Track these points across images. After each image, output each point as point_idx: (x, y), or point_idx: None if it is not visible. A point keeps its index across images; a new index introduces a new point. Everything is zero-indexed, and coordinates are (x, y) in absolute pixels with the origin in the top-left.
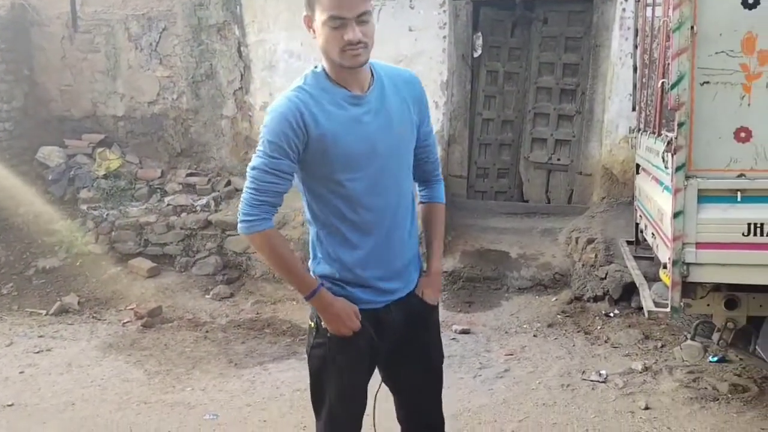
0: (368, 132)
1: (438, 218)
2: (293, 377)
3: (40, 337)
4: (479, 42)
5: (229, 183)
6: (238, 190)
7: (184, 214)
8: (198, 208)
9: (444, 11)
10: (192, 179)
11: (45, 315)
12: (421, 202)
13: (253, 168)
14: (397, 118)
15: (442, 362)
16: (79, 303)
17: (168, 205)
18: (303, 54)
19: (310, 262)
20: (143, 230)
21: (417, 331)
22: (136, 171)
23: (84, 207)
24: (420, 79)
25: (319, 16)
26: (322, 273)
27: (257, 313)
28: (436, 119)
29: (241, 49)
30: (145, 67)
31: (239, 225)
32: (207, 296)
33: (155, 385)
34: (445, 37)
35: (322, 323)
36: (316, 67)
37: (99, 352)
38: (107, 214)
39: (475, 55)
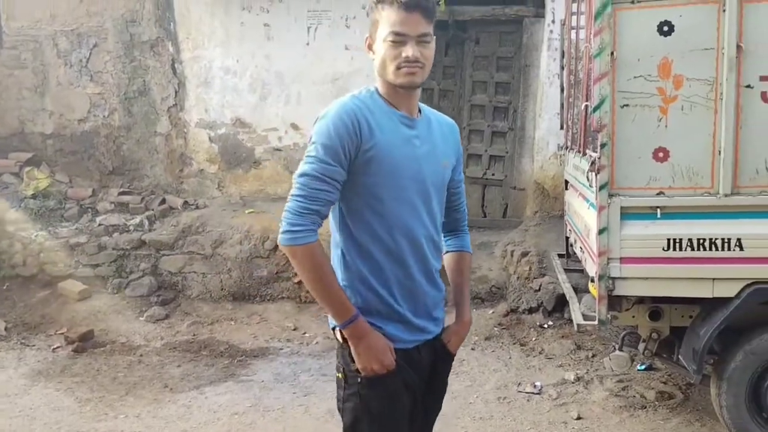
0: (416, 155)
1: (467, 267)
2: (230, 400)
3: None
4: None
5: (163, 201)
6: (173, 209)
7: (116, 234)
8: (131, 227)
9: None
10: (125, 198)
11: None
12: (450, 251)
13: (303, 174)
14: (442, 151)
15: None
16: (5, 328)
17: (99, 225)
18: (239, 71)
19: None
20: (74, 251)
21: (436, 378)
22: (66, 190)
23: (11, 228)
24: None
25: (381, 33)
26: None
27: (193, 335)
28: None
29: (175, 65)
30: (75, 84)
31: (281, 236)
32: (141, 318)
33: (87, 413)
34: None
35: (352, 366)
36: (368, 87)
37: (27, 380)
38: (36, 235)
39: None
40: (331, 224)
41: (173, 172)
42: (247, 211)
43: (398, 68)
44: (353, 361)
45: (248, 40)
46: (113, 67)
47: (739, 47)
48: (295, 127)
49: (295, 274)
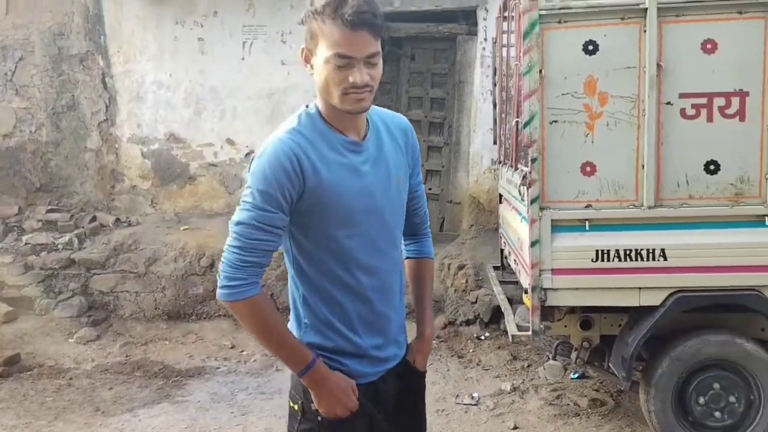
0: (368, 183)
1: (429, 276)
2: (165, 422)
3: None
4: None
5: (94, 219)
6: (104, 226)
7: (44, 253)
8: (60, 246)
9: None
10: (53, 216)
11: None
12: (409, 258)
13: (239, 223)
14: (395, 167)
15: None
16: None
17: (26, 244)
18: (172, 85)
19: (292, 328)
20: None
21: (409, 401)
22: None
23: None
24: (296, 111)
25: (322, 52)
26: (311, 342)
27: (126, 356)
28: None
29: (106, 79)
30: None
31: (220, 291)
32: (71, 340)
33: None
34: None
35: (312, 405)
36: (307, 106)
37: None
38: None
39: None
40: (286, 264)
41: (104, 189)
42: (181, 228)
43: (345, 94)
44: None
45: (182, 55)
46: (40, 81)
47: (659, 66)
48: (230, 142)
49: None
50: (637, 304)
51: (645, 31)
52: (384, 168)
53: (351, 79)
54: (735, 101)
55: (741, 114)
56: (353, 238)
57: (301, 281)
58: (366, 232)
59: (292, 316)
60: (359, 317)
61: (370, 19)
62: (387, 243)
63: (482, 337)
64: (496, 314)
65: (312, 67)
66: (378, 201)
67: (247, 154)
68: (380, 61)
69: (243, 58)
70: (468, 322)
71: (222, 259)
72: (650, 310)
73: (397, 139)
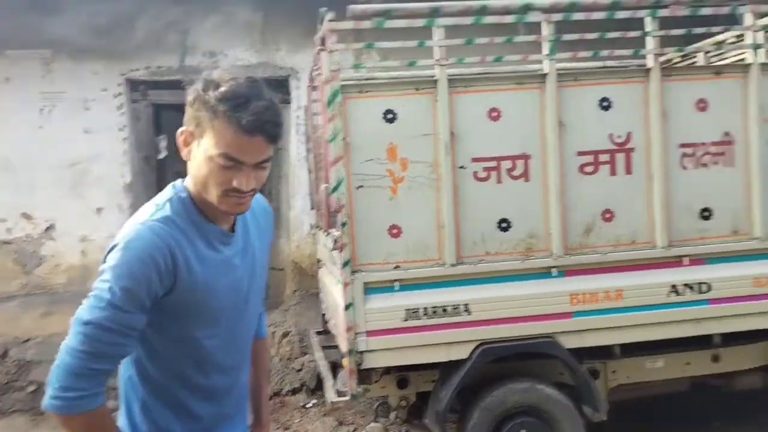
0: (238, 277)
1: (266, 356)
2: None
3: None
4: (164, 144)
5: None
6: None
7: None
8: None
9: (123, 113)
10: None
11: None
12: None
13: (89, 323)
14: (260, 254)
15: None
16: None
17: None
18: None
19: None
20: None
21: None
22: None
23: None
24: (102, 181)
25: (208, 146)
26: None
27: None
28: (120, 223)
29: None
30: None
31: (50, 401)
32: None
33: None
34: (125, 138)
35: None
36: (174, 186)
37: None
38: None
39: (160, 156)
40: (123, 363)
41: None
42: None
43: (226, 195)
44: None
45: None
46: None
47: (452, 133)
48: (27, 216)
49: (30, 383)
50: (447, 359)
51: (437, 101)
52: (251, 257)
53: (235, 183)
54: (520, 164)
55: (526, 175)
56: (215, 338)
57: (143, 384)
58: (229, 330)
59: (123, 420)
60: (208, 422)
61: (270, 128)
62: (245, 337)
63: (308, 405)
64: (322, 380)
65: (190, 152)
66: (244, 294)
67: (47, 229)
68: (269, 164)
69: (41, 126)
70: (294, 391)
71: (58, 363)
72: (459, 363)
73: (260, 223)
